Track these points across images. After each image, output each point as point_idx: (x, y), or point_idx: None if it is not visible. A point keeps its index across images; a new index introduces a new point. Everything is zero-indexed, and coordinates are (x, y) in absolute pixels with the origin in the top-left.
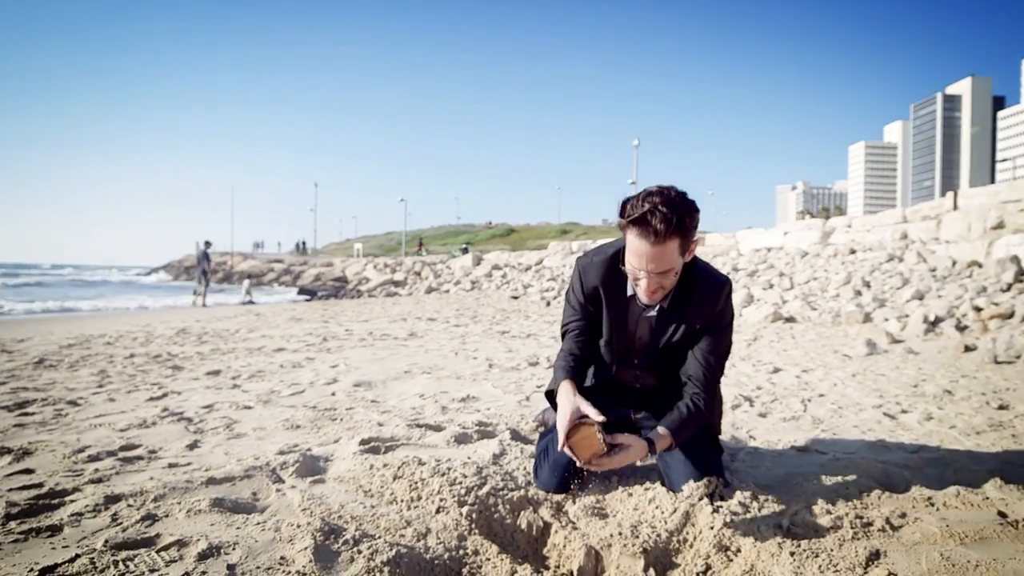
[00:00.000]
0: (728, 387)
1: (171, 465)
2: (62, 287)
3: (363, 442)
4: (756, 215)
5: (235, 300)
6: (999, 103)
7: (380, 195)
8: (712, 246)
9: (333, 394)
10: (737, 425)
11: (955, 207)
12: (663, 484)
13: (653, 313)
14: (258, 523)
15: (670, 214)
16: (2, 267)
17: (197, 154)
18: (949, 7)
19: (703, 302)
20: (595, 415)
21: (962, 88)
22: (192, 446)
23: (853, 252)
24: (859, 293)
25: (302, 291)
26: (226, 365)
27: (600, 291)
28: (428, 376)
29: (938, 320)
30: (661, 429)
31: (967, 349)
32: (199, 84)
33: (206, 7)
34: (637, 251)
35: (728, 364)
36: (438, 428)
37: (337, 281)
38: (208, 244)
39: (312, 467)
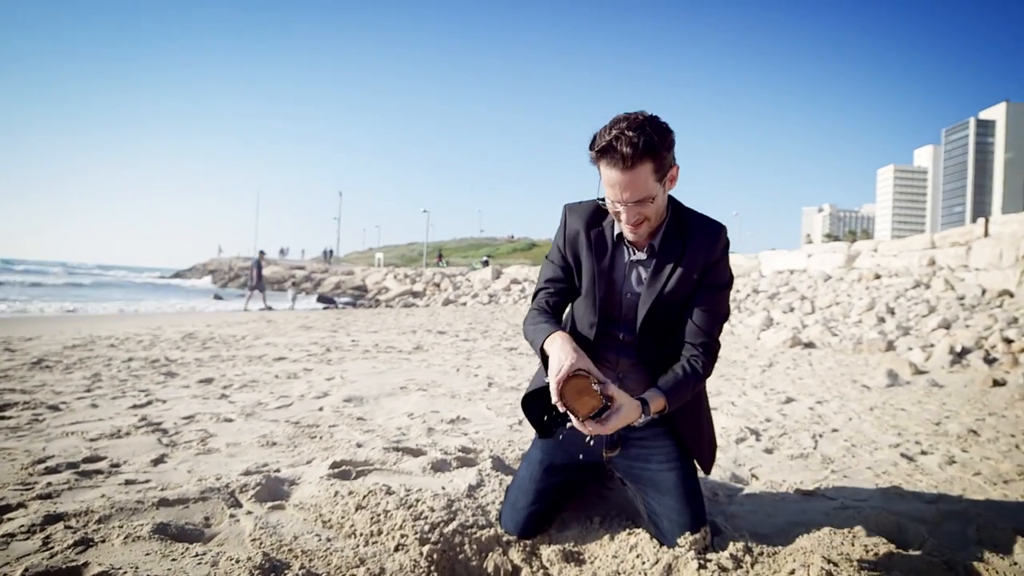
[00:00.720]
0: (735, 418)
1: (128, 482)
2: (106, 288)
3: (334, 465)
4: (781, 237)
5: (258, 306)
6: None
7: (403, 205)
8: (734, 266)
9: (320, 409)
10: (740, 461)
11: (986, 234)
12: (650, 528)
13: (643, 256)
14: (196, 555)
15: (636, 137)
16: (29, 264)
17: (222, 159)
18: (984, 32)
19: (698, 245)
20: (595, 372)
21: (996, 113)
22: (158, 461)
23: (878, 277)
24: (882, 320)
25: (321, 299)
26: (221, 373)
27: (583, 235)
28: (423, 394)
29: (965, 351)
30: (654, 391)
31: (996, 383)
32: (227, 89)
33: (234, 11)
34: (610, 181)
35: (738, 392)
36: (418, 452)
37: (357, 290)
38: (262, 254)
39: (275, 491)
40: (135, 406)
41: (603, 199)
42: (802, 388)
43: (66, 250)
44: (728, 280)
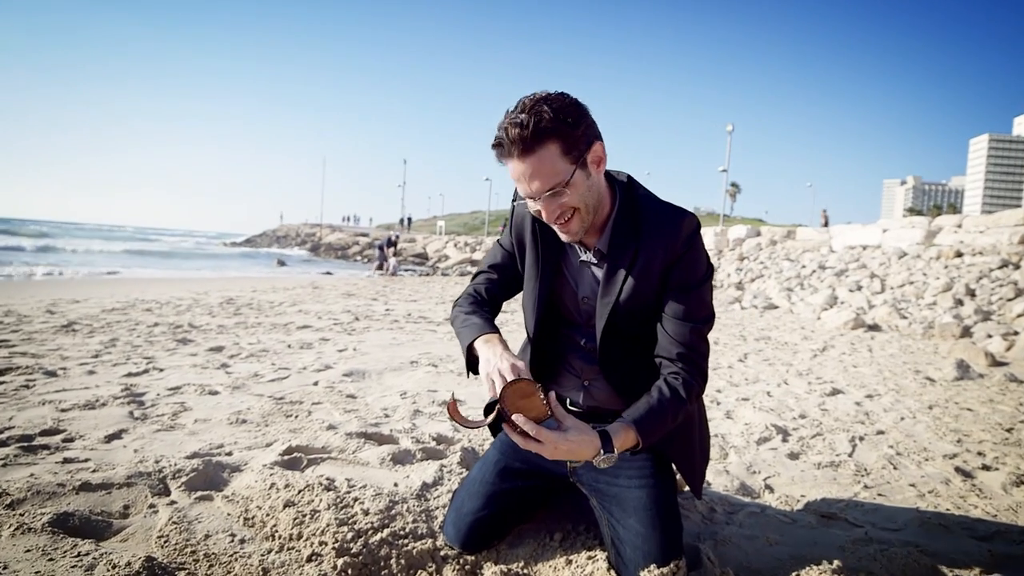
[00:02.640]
0: (763, 412)
1: (67, 460)
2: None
3: (288, 451)
4: (860, 211)
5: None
6: None
7: (467, 174)
8: (802, 240)
9: (315, 384)
10: (755, 467)
11: None
12: (611, 554)
13: (591, 258)
14: (78, 555)
15: (528, 119)
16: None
17: (285, 127)
18: None
19: (654, 242)
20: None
21: None
22: (113, 437)
23: (959, 255)
24: (960, 303)
25: (380, 267)
26: (234, 341)
27: (528, 220)
28: (430, 370)
29: None
30: (621, 423)
31: None
32: (291, 57)
33: None
34: (514, 175)
35: (778, 380)
36: (386, 440)
37: (418, 257)
38: (398, 236)
39: (212, 478)
40: (130, 374)
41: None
42: (854, 378)
43: (131, 214)
44: (703, 275)
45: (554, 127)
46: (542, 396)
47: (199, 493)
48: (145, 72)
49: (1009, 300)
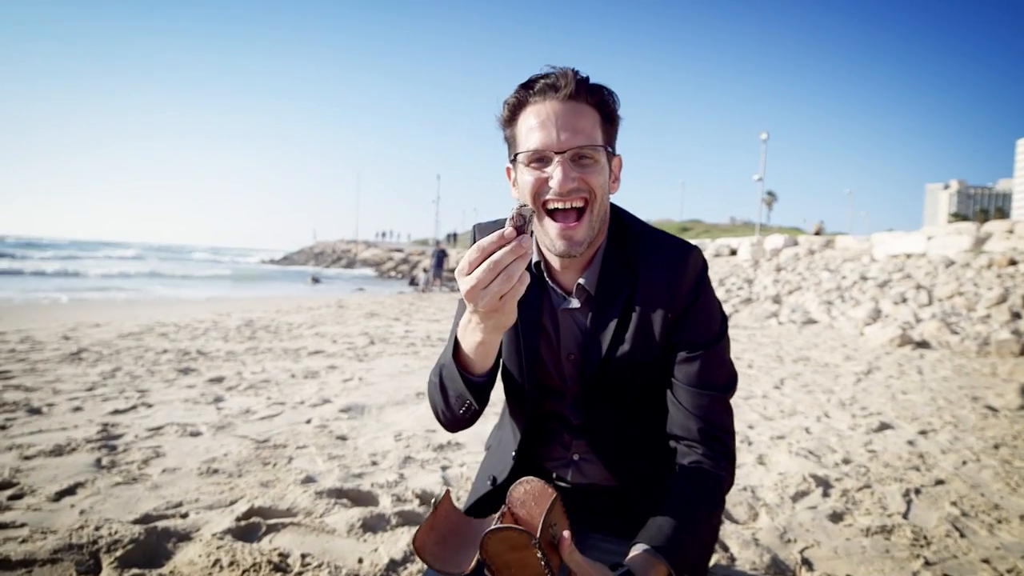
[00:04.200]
0: (800, 458)
1: (1, 526)
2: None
3: (247, 514)
4: (902, 218)
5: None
6: None
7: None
8: (842, 250)
9: (308, 421)
10: (790, 534)
11: None
12: None
13: (575, 304)
14: None
15: (583, 76)
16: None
17: (318, 145)
18: None
19: (657, 275)
20: (556, 512)
21: None
22: (64, 493)
23: (1013, 263)
24: (1017, 316)
25: (412, 282)
26: (237, 371)
27: None
28: None
29: None
30: (644, 553)
31: None
32: (332, 79)
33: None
34: (539, 117)
35: (818, 412)
36: (362, 499)
37: (450, 272)
38: (444, 251)
39: (152, 552)
40: (116, 411)
41: (522, 206)
42: (904, 408)
43: (166, 234)
44: (720, 327)
45: (607, 98)
46: (539, 554)
47: (133, 571)
48: (175, 86)
49: None
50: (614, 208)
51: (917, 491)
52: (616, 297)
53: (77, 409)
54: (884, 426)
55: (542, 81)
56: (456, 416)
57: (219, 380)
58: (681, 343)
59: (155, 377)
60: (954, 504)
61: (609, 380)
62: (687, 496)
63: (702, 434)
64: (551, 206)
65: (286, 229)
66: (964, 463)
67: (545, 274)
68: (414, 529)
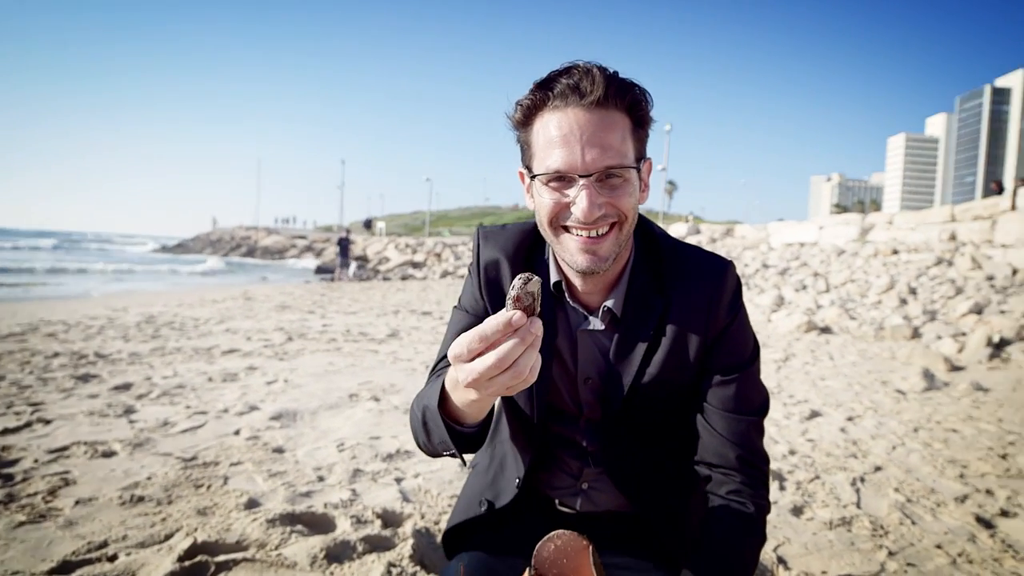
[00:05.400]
0: None
1: None
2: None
3: (189, 553)
4: (789, 207)
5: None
6: None
7: (407, 174)
8: (741, 237)
9: (236, 432)
10: None
11: (1013, 207)
12: None
13: (598, 324)
14: None
15: (613, 74)
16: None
17: (216, 130)
18: None
19: (693, 294)
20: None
21: (1013, 81)
22: None
23: (895, 252)
24: (904, 302)
25: (320, 269)
26: (145, 376)
27: (506, 275)
28: (372, 405)
29: (1004, 343)
30: None
31: None
32: (222, 59)
33: None
34: (562, 130)
35: None
36: (319, 524)
37: (358, 259)
38: (347, 238)
39: None
40: (5, 431)
41: (527, 281)
42: (827, 395)
43: (58, 220)
44: (755, 347)
45: (639, 99)
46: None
47: None
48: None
49: (950, 299)
50: (640, 219)
51: (862, 479)
52: (646, 319)
53: None
54: (814, 414)
55: (564, 81)
56: (439, 454)
57: (126, 387)
58: (716, 366)
59: (49, 386)
60: (897, 490)
61: (634, 406)
62: (733, 528)
63: (740, 461)
64: (573, 232)
65: (184, 216)
66: (894, 448)
67: (566, 294)
68: (386, 556)
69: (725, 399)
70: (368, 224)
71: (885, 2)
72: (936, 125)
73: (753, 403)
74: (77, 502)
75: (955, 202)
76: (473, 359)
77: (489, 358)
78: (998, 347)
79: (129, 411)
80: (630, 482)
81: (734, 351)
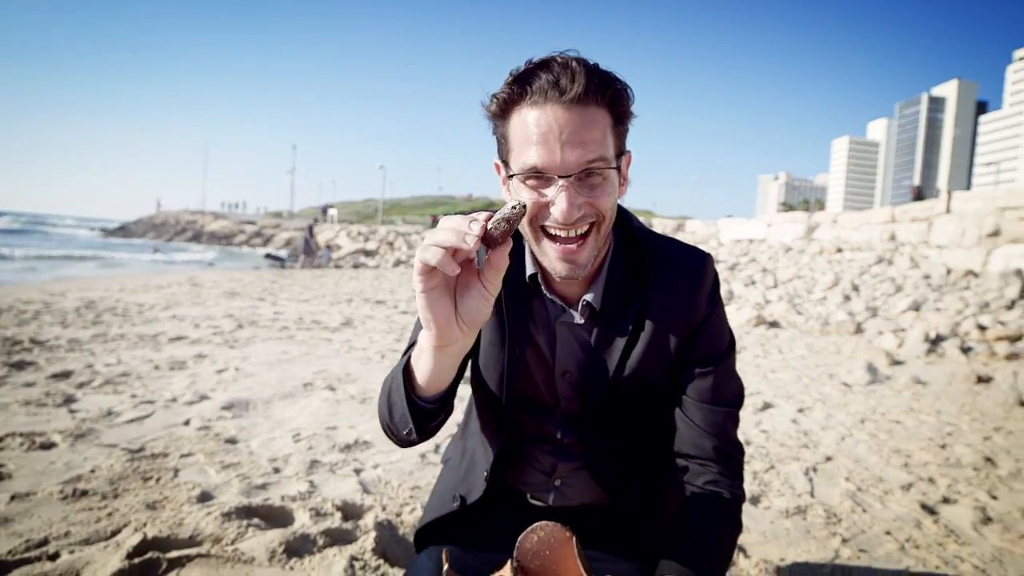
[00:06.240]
0: None
1: None
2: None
3: (139, 549)
4: (738, 204)
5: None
6: (982, 108)
7: (360, 161)
8: (691, 233)
9: (186, 423)
10: None
11: (948, 210)
12: None
13: (577, 317)
14: None
15: (593, 67)
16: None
17: (159, 110)
18: (939, 9)
19: (672, 288)
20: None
21: (947, 90)
22: None
23: (840, 251)
24: (848, 298)
25: (269, 256)
26: (87, 363)
27: None
28: (328, 395)
29: (940, 339)
30: (677, 569)
31: (980, 380)
32: (175, 35)
33: None
34: (541, 124)
35: None
36: (276, 516)
37: (327, 248)
38: (315, 221)
39: None
40: None
41: (515, 205)
42: (778, 387)
43: None
44: (731, 338)
45: (620, 94)
46: (577, 554)
47: None
48: None
49: (891, 296)
50: (619, 210)
51: (814, 469)
52: (625, 312)
53: None
54: (767, 405)
55: (543, 77)
56: (399, 436)
57: (65, 375)
58: (694, 358)
59: None
60: (847, 480)
61: (613, 400)
62: (711, 517)
63: (716, 452)
64: (551, 231)
65: (127, 199)
66: (843, 438)
67: (543, 286)
68: (348, 550)
69: (702, 391)
70: (325, 211)
71: (833, 8)
72: (877, 129)
73: (729, 394)
74: (13, 497)
75: (894, 204)
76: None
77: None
78: (935, 343)
79: (69, 400)
80: (607, 474)
81: (712, 343)
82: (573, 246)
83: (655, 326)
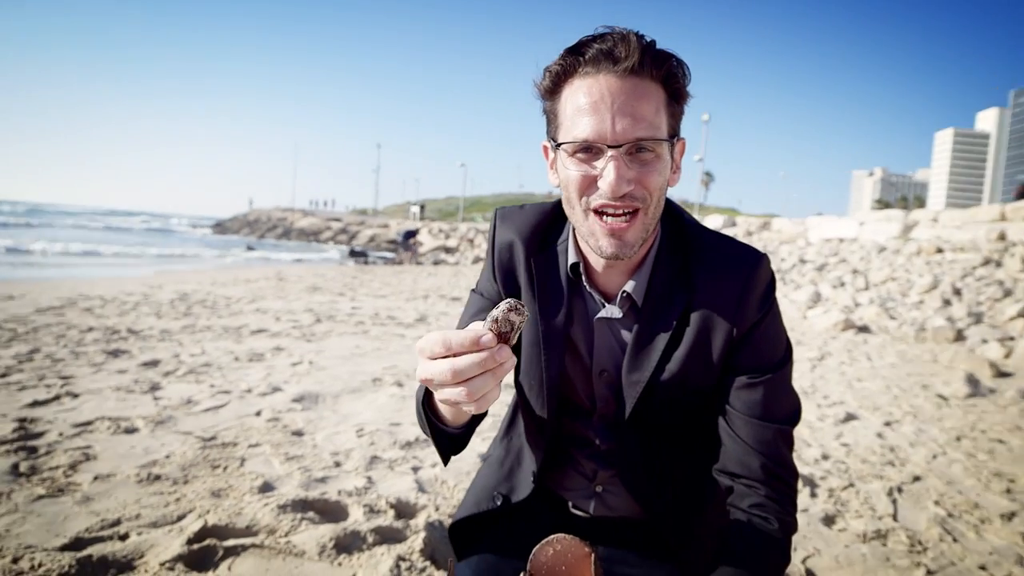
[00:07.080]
0: None
1: None
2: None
3: (199, 535)
4: (829, 201)
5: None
6: None
7: (443, 159)
8: (778, 232)
9: (258, 413)
10: None
11: None
12: None
13: (616, 311)
14: None
15: (650, 42)
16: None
17: (255, 113)
18: None
19: (721, 286)
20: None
21: None
22: None
23: (940, 251)
24: (948, 303)
25: (352, 253)
26: (174, 352)
27: (520, 259)
28: (396, 391)
29: None
30: None
31: None
32: (260, 43)
33: None
34: (593, 93)
35: None
36: (331, 511)
37: (391, 243)
38: (416, 231)
39: None
40: (35, 403)
41: (511, 308)
42: (863, 397)
43: (99, 196)
44: (787, 349)
45: (675, 70)
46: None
47: None
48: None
49: (998, 301)
50: (668, 203)
51: (899, 489)
52: (668, 309)
53: None
54: (850, 417)
55: (596, 46)
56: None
57: (154, 364)
58: (743, 366)
59: (80, 360)
60: (937, 503)
61: (651, 404)
62: (755, 547)
63: (765, 472)
64: (598, 208)
65: (221, 196)
66: (934, 456)
67: (584, 277)
68: (396, 549)
69: (751, 404)
70: (422, 209)
71: None
72: (988, 120)
73: (782, 410)
74: (96, 478)
75: (1005, 201)
76: (434, 360)
77: (444, 364)
78: None
79: (155, 388)
80: (643, 486)
81: (763, 351)
82: (622, 223)
83: (700, 327)
